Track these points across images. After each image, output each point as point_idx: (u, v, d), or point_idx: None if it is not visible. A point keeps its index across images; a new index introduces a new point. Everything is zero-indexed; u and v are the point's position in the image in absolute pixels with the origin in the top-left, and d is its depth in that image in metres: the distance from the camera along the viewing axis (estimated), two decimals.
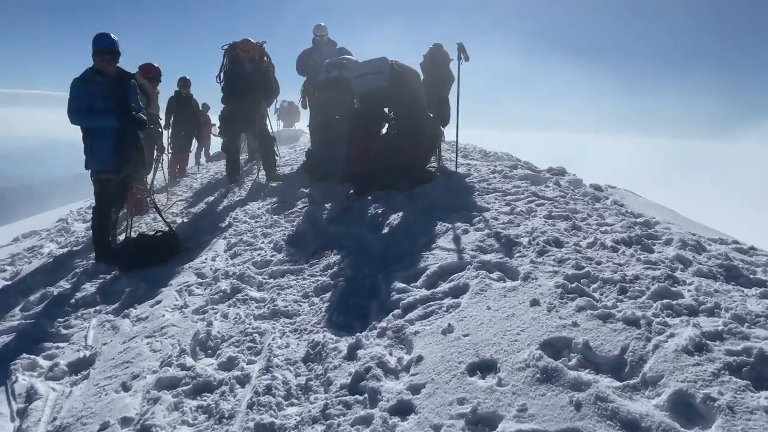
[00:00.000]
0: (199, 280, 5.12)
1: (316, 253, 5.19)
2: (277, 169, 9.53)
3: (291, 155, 13.14)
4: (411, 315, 3.48)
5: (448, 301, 3.51)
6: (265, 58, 9.30)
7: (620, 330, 2.79)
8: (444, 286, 3.73)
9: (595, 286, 3.34)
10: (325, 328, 3.66)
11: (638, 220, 4.63)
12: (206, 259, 5.66)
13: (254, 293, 4.55)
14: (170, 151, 12.88)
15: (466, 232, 4.57)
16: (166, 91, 11.79)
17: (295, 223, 6.33)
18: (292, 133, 22.13)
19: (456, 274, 3.86)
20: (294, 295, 4.36)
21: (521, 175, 6.13)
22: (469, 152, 8.19)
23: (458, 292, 3.61)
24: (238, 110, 8.95)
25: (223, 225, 6.92)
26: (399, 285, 3.91)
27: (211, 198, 8.95)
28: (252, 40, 8.81)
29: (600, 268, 3.56)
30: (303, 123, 25.11)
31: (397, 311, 3.58)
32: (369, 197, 6.51)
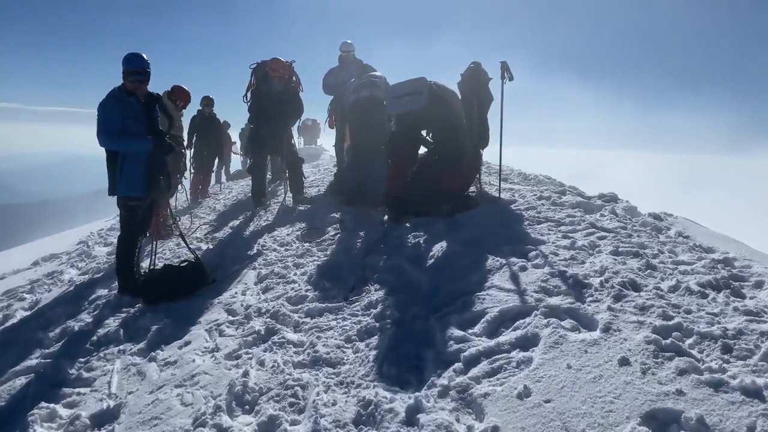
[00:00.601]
0: (230, 317, 4.75)
1: (356, 289, 4.80)
2: (304, 191, 9.19)
3: (315, 175, 12.82)
4: (475, 371, 3.07)
5: (517, 355, 3.09)
6: (294, 78, 9.02)
7: (739, 403, 2.36)
8: (509, 335, 3.32)
9: (691, 341, 2.90)
10: (376, 383, 3.25)
11: (715, 257, 4.18)
12: (236, 293, 5.29)
13: (291, 335, 4.16)
14: (192, 171, 12.66)
15: (524, 269, 4.15)
16: (188, 110, 11.61)
17: (328, 253, 5.95)
18: (313, 150, 21.92)
19: (520, 321, 3.45)
20: (336, 338, 3.97)
21: (572, 202, 5.71)
22: (507, 175, 7.78)
23: (527, 343, 3.19)
24: (266, 131, 8.64)
25: (252, 253, 6.57)
26: (456, 332, 3.50)
27: (236, 222, 8.62)
28: (282, 59, 8.52)
29: (692, 319, 3.12)
30: (324, 140, 24.95)
31: (458, 365, 3.17)
32: (406, 224, 6.12)
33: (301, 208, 8.44)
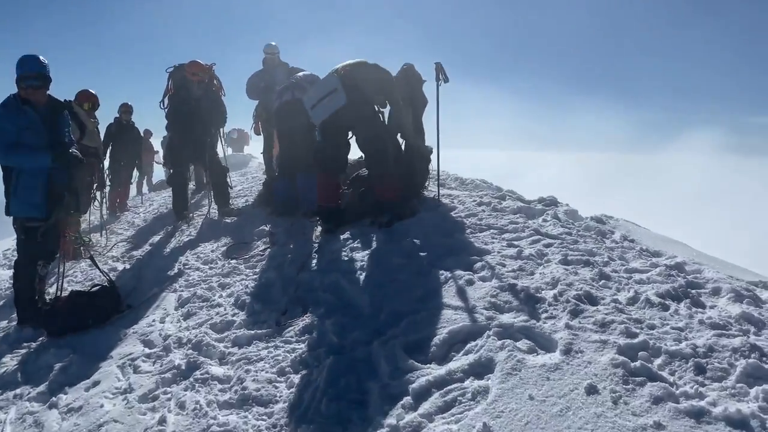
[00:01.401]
0: (146, 350, 4.22)
1: (288, 311, 4.35)
2: (231, 202, 8.63)
3: (243, 184, 12.19)
4: (427, 405, 2.71)
5: (471, 384, 2.76)
6: (215, 82, 8.46)
7: None
8: (461, 361, 2.98)
9: (660, 361, 2.65)
10: (314, 424, 2.85)
11: (666, 262, 4.02)
12: (154, 320, 4.75)
13: (216, 369, 3.68)
14: (109, 183, 11.80)
15: (470, 282, 3.83)
16: (105, 118, 10.82)
17: (257, 270, 5.47)
18: (241, 158, 21.11)
19: (472, 343, 3.12)
20: (267, 371, 3.52)
21: (513, 207, 5.48)
22: (444, 180, 7.51)
23: (482, 369, 2.87)
24: (186, 139, 8.04)
25: (172, 273, 6.00)
26: (402, 358, 3.14)
27: (156, 238, 7.95)
28: (201, 62, 7.95)
29: (658, 335, 2.88)
30: (253, 147, 24.09)
31: (406, 399, 2.80)
32: (341, 236, 5.73)
33: (227, 220, 7.89)
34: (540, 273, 3.83)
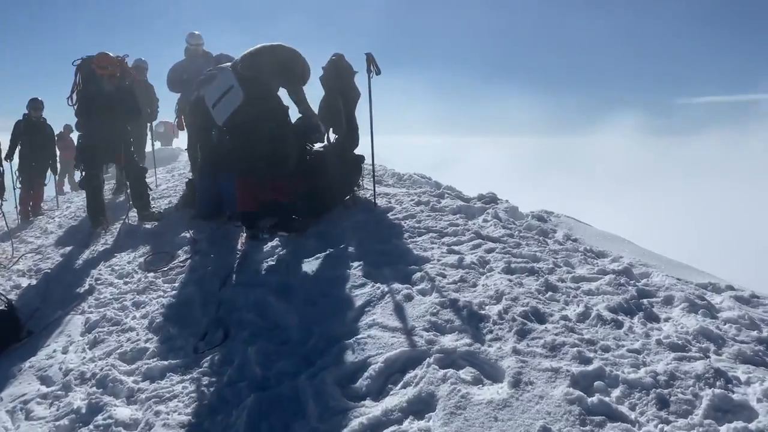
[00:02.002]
0: (43, 389, 3.69)
1: (208, 335, 3.90)
2: (152, 205, 7.99)
3: (170, 182, 11.45)
4: None
5: (411, 427, 2.41)
6: (132, 74, 7.80)
7: None
8: (399, 397, 2.63)
9: (618, 393, 2.37)
10: None
11: (612, 266, 3.80)
12: (55, 350, 4.19)
13: (122, 412, 3.20)
14: (19, 185, 10.85)
15: (409, 298, 3.49)
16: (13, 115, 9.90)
17: (176, 285, 4.96)
18: (169, 152, 20.07)
19: (411, 373, 2.77)
20: (180, 412, 3.08)
21: (452, 207, 5.17)
22: (380, 176, 7.14)
23: (422, 407, 2.52)
24: (97, 138, 7.35)
25: (82, 290, 5.40)
26: (333, 396, 2.76)
27: (68, 248, 7.24)
28: (110, 54, 7.25)
29: (614, 360, 2.61)
30: (182, 140, 22.92)
31: None
32: (269, 243, 5.28)
33: (147, 226, 7.28)
34: (483, 285, 3.52)
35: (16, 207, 10.96)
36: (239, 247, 5.41)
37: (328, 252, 4.64)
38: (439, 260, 4.00)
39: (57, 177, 13.39)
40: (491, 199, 5.59)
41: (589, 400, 2.29)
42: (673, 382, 2.41)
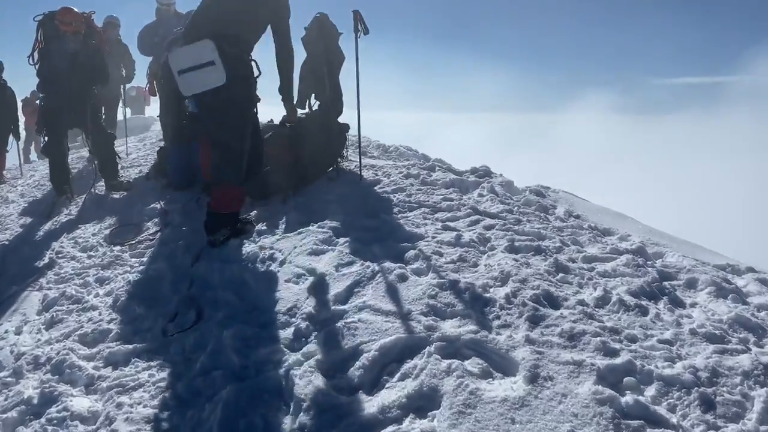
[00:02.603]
0: None
1: (178, 316, 3.53)
2: (121, 175, 7.50)
3: (141, 151, 10.88)
4: None
5: (412, 427, 2.10)
6: (96, 34, 7.23)
7: None
8: (397, 390, 2.30)
9: (654, 392, 2.07)
10: None
11: (627, 246, 3.50)
12: (7, 331, 3.77)
13: (79, 403, 2.83)
14: None
15: (403, 278, 3.15)
16: None
17: (144, 260, 4.56)
18: (141, 121, 19.30)
19: (409, 363, 2.45)
20: (146, 404, 2.72)
21: (445, 180, 4.83)
22: (365, 148, 6.75)
23: (424, 402, 2.21)
24: (61, 101, 6.82)
25: (41, 264, 4.96)
26: (321, 390, 2.42)
27: (29, 218, 6.74)
28: (75, 9, 6.68)
29: (644, 353, 2.31)
30: (154, 108, 22.00)
31: None
32: (247, 214, 4.91)
33: (115, 196, 6.81)
34: (485, 264, 3.19)
35: None
36: None
37: (311, 227, 4.27)
38: (434, 237, 3.66)
39: (22, 143, 12.72)
40: (485, 173, 5.26)
41: (623, 400, 1.99)
42: (717, 379, 2.12)
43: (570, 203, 4.71)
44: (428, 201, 4.36)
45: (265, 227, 4.59)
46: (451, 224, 3.89)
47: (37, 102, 8.36)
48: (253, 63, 4.49)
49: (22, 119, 13.68)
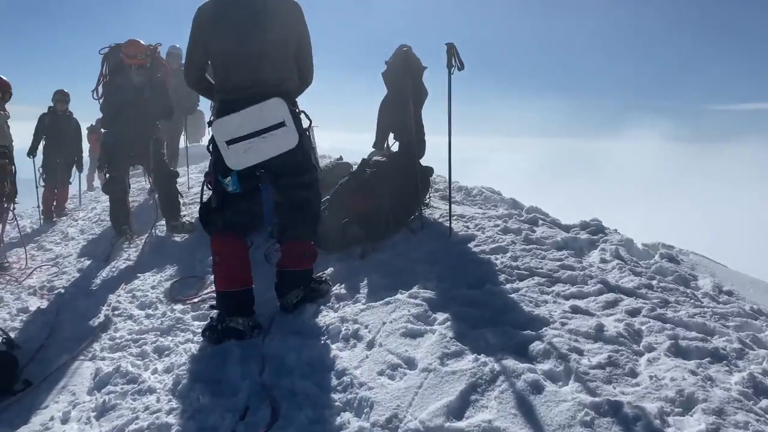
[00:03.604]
0: None
1: (249, 411, 2.92)
2: (183, 214, 7.09)
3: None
4: None
5: None
6: (165, 65, 6.92)
7: None
8: None
9: None
10: None
11: None
12: (53, 418, 3.24)
13: None
14: (42, 183, 10.10)
15: (536, 388, 2.43)
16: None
17: None
18: (201, 149, 19.16)
19: None
20: None
21: (555, 240, 4.11)
22: (444, 191, 6.09)
23: None
24: (123, 137, 6.47)
25: (96, 322, 4.49)
26: None
27: (87, 261, 6.35)
28: (141, 42, 6.36)
29: None
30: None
31: None
32: (323, 272, 4.32)
33: (176, 239, 6.37)
34: (649, 375, 2.44)
35: (38, 207, 10.21)
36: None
37: (399, 295, 3.61)
38: (563, 324, 2.93)
39: (84, 173, 12.64)
40: (598, 229, 4.50)
41: None
42: None
43: (711, 271, 3.92)
44: (541, 268, 3.65)
45: (344, 290, 3.98)
46: (581, 304, 3.15)
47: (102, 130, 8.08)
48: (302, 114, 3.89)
49: (86, 146, 13.69)
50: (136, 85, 6.33)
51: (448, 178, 4.69)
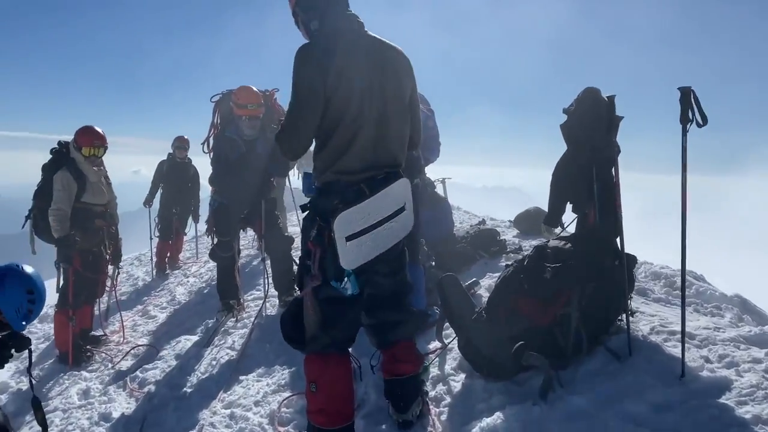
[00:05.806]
0: None
1: None
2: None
3: None
4: None
5: None
6: (281, 113, 5.98)
7: None
8: None
9: None
10: None
11: None
12: None
13: None
14: (157, 234, 9.58)
15: None
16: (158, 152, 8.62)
17: None
18: None
19: None
20: None
21: None
22: (635, 280, 4.52)
23: None
24: (233, 198, 5.55)
25: (193, 427, 3.47)
26: None
27: (188, 344, 5.39)
28: (253, 89, 5.42)
29: None
30: None
31: None
32: (487, 403, 2.96)
33: None
34: None
35: (151, 259, 9.69)
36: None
37: None
38: None
39: (202, 222, 12.13)
40: None
41: None
42: None
43: None
44: None
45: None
46: None
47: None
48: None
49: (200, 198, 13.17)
50: (247, 138, 5.40)
51: (681, 279, 3.12)
